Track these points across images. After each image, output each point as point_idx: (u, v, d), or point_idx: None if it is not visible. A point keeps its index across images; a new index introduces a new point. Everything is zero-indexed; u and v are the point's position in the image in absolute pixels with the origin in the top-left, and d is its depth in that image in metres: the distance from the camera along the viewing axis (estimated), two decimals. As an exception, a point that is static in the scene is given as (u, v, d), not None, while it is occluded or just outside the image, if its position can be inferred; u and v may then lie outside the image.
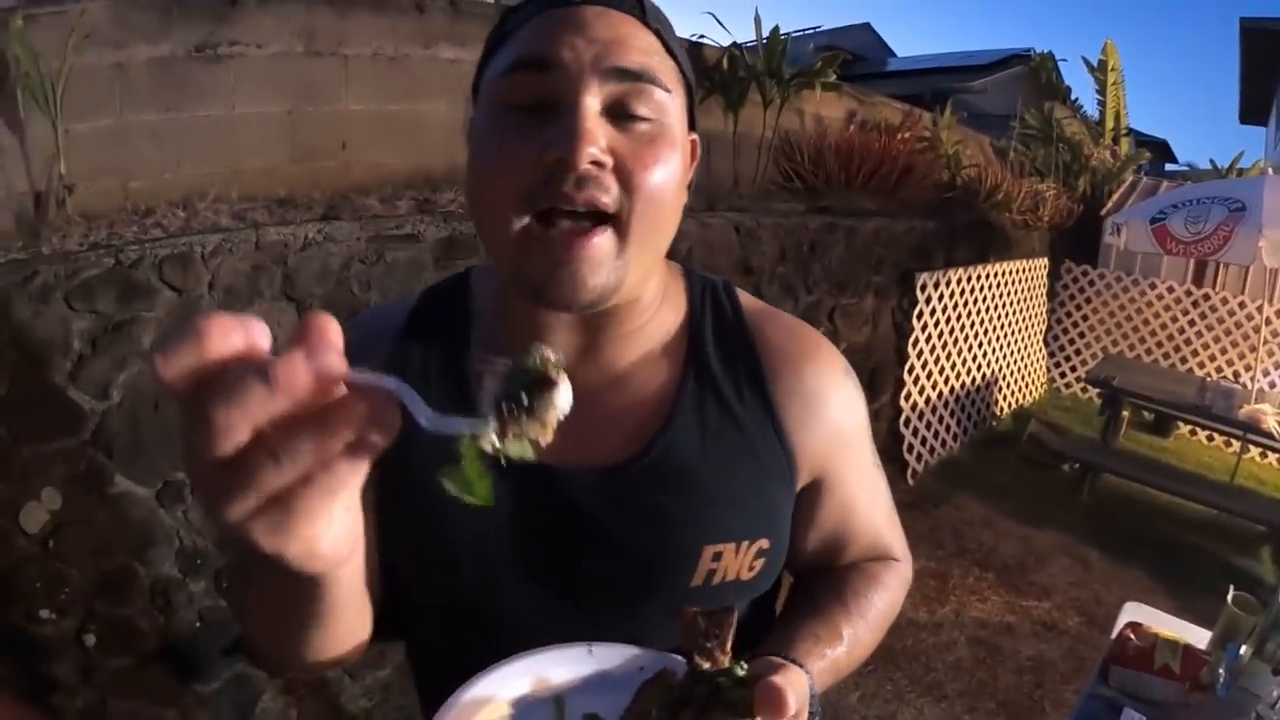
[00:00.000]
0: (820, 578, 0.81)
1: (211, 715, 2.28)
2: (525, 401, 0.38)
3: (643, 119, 0.62)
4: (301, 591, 0.47)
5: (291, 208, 2.62)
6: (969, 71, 12.81)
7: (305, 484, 0.33)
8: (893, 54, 16.52)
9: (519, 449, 0.38)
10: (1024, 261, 5.89)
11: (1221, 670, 1.50)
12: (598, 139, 0.59)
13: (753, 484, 0.71)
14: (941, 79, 12.38)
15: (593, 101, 0.59)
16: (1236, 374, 5.56)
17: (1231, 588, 1.63)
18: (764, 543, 0.71)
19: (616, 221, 0.61)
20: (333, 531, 0.36)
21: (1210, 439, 5.77)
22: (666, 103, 0.63)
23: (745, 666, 0.55)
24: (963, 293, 5.05)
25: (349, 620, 0.59)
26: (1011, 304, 5.75)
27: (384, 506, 0.70)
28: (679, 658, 0.58)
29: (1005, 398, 5.93)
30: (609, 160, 0.60)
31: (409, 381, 0.69)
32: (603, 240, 0.60)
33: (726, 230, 3.55)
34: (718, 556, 0.68)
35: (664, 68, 0.64)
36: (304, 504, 0.33)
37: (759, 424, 0.72)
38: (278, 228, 2.24)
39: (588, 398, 0.68)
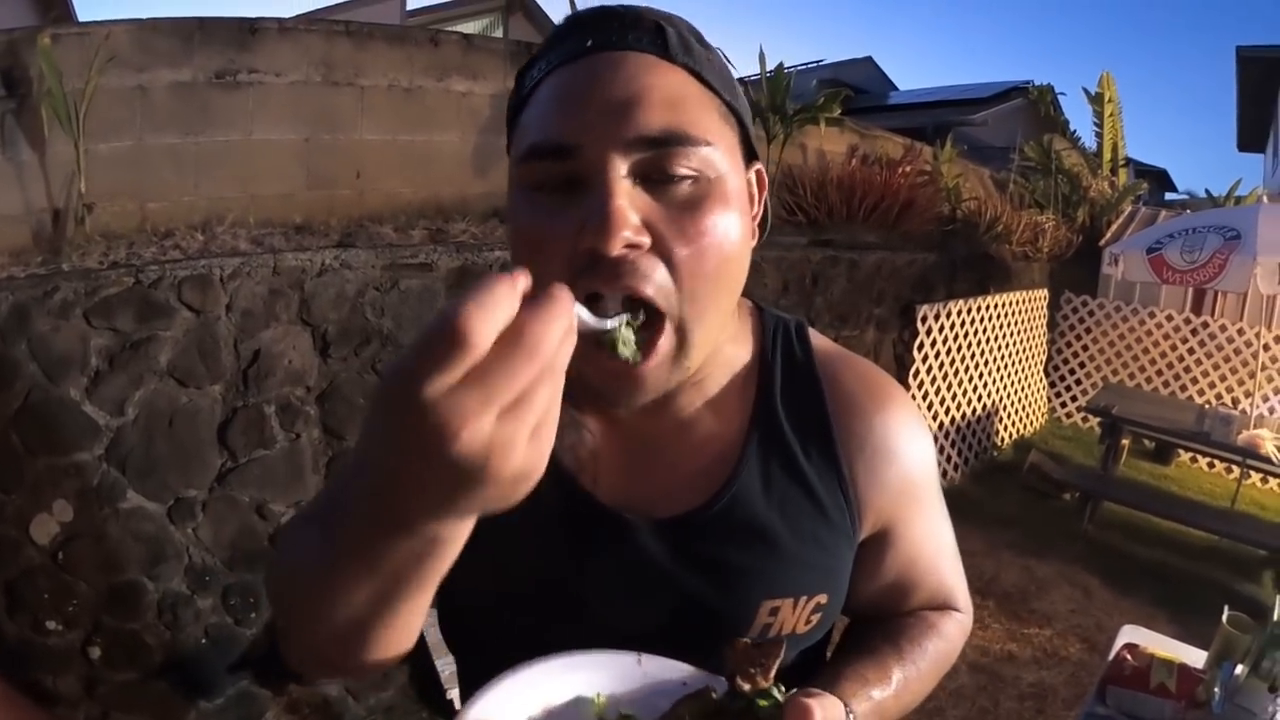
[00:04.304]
0: (877, 623, 0.78)
1: (214, 732, 2.28)
2: None
3: (681, 178, 0.56)
4: (419, 557, 0.46)
5: (308, 234, 2.68)
6: (969, 104, 12.95)
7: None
8: (894, 87, 16.72)
9: None
10: (1024, 293, 5.94)
11: (1217, 688, 1.51)
12: (629, 220, 0.54)
13: (815, 539, 0.69)
14: (942, 112, 12.52)
15: (620, 176, 0.55)
16: (1236, 400, 5.56)
17: (1226, 607, 1.65)
18: (822, 598, 0.70)
19: (671, 316, 0.57)
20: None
21: (1211, 465, 5.76)
22: (708, 155, 0.57)
23: (782, 689, 0.56)
24: (963, 324, 5.09)
25: (423, 607, 0.55)
26: (1012, 335, 5.78)
27: None
28: (723, 679, 0.59)
29: (1006, 428, 5.94)
30: (645, 240, 0.55)
31: None
32: (663, 342, 0.58)
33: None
34: (774, 611, 0.68)
35: (698, 115, 0.58)
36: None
37: (824, 477, 0.70)
38: (295, 253, 2.30)
39: (655, 447, 0.69)
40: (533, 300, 0.38)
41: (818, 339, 0.77)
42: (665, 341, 0.58)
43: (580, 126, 0.55)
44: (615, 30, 0.58)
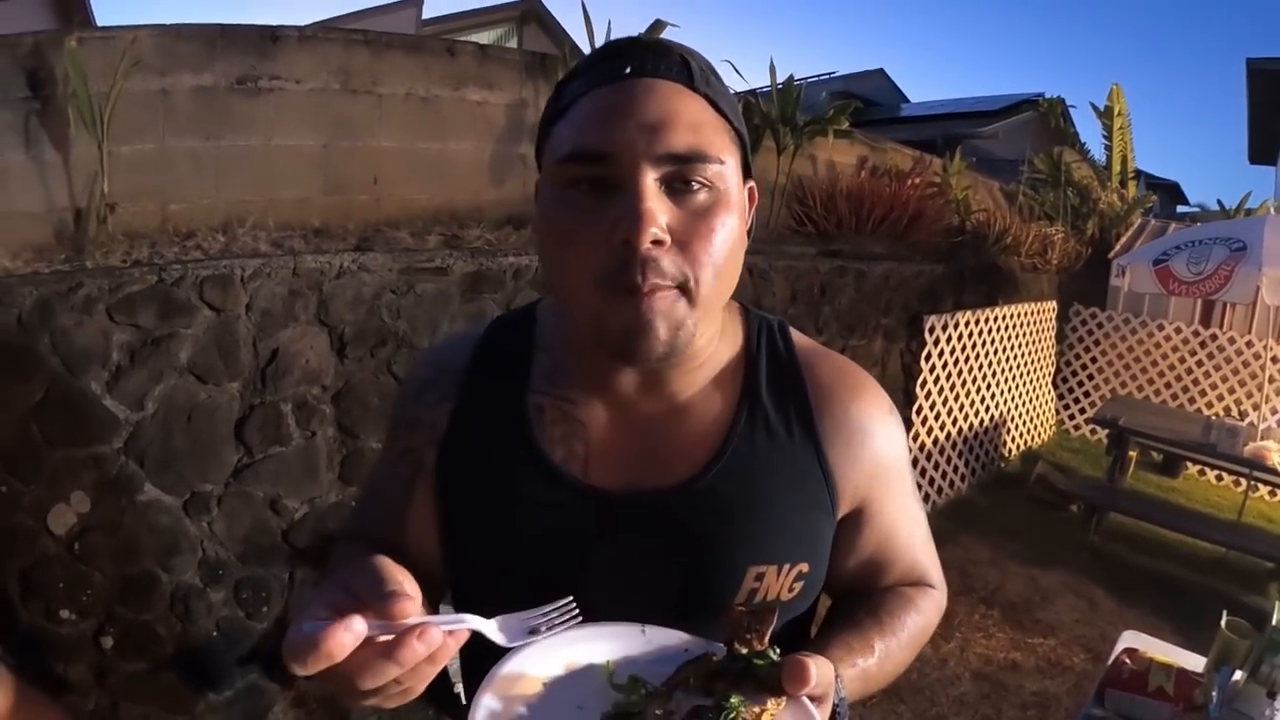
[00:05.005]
0: (858, 597, 0.85)
1: (223, 723, 2.31)
2: None
3: (698, 188, 0.66)
4: None
5: (326, 238, 2.73)
6: (980, 117, 12.96)
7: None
8: (906, 99, 16.74)
9: None
10: (1032, 304, 5.92)
11: (1215, 692, 1.52)
12: (658, 219, 0.63)
13: (797, 511, 0.76)
14: (953, 124, 12.53)
15: (650, 183, 0.64)
16: (1244, 412, 5.53)
17: (1225, 613, 1.66)
18: (804, 566, 0.76)
19: (684, 289, 0.66)
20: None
21: (1219, 479, 5.73)
22: (720, 170, 0.67)
23: (777, 650, 0.61)
24: (971, 335, 5.07)
25: None
26: (1020, 346, 5.77)
27: (450, 511, 0.78)
28: (722, 645, 0.64)
29: (1014, 439, 5.93)
30: (668, 238, 0.64)
31: (475, 414, 0.81)
32: (674, 296, 0.66)
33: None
34: (760, 577, 0.74)
35: (714, 137, 0.68)
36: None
37: (805, 456, 0.77)
38: (314, 255, 2.34)
39: (650, 427, 0.76)
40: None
41: (798, 336, 0.86)
42: (674, 295, 0.66)
43: (618, 138, 0.64)
44: (650, 60, 0.68)
